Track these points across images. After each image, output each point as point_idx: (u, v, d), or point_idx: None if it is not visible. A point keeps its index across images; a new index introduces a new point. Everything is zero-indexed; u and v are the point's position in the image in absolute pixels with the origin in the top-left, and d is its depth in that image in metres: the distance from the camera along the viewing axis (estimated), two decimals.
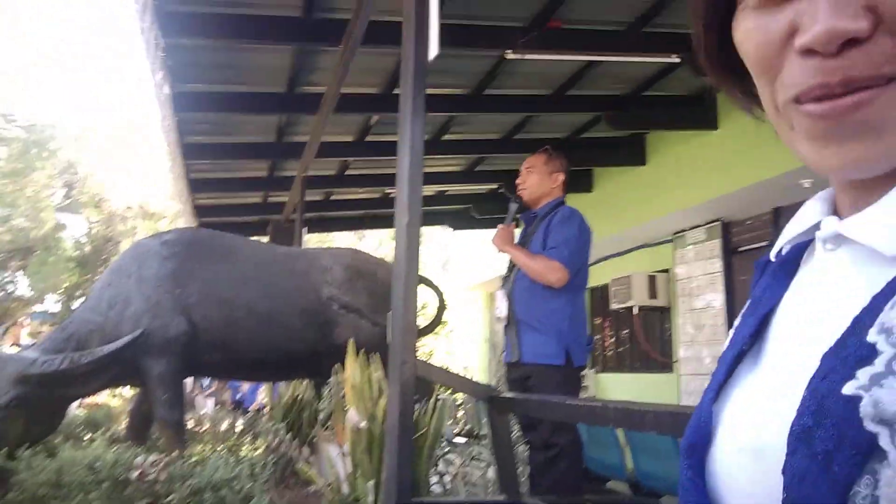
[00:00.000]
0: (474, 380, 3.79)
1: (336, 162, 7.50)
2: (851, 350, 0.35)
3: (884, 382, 0.32)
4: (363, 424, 2.53)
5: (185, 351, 3.72)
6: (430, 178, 8.04)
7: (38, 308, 19.38)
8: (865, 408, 0.32)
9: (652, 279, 7.79)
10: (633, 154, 7.15)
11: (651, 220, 7.21)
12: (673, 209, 6.75)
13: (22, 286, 19.17)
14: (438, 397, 2.90)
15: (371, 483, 2.44)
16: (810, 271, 0.48)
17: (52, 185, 20.77)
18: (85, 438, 3.81)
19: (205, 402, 11.33)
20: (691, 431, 0.47)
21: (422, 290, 4.73)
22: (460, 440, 4.12)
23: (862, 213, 0.42)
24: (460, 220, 10.11)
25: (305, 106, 5.61)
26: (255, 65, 5.01)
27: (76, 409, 4.63)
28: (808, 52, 0.39)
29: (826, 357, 0.37)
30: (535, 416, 2.81)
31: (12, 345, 3.52)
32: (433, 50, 2.42)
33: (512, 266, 3.14)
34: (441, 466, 2.92)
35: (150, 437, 3.98)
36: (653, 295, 7.73)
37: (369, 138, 6.76)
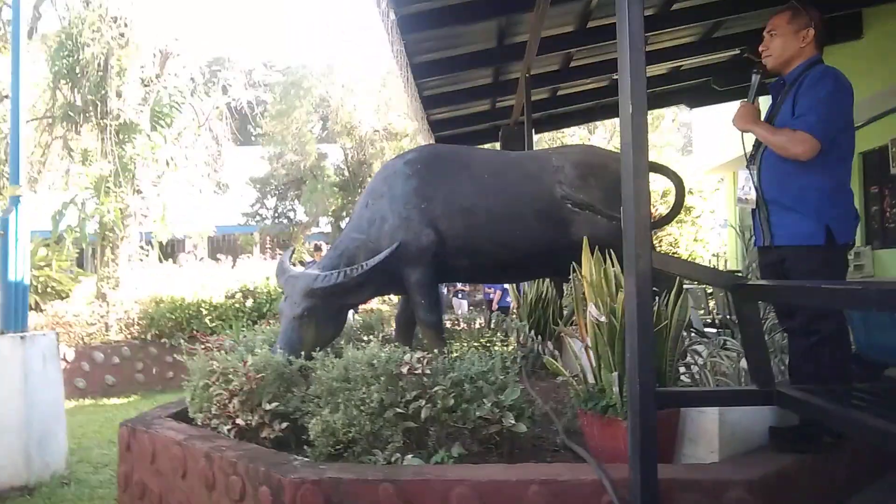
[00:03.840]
0: (717, 268, 3.59)
1: (559, 56, 7.30)
2: None
3: None
4: (603, 319, 2.57)
5: (436, 258, 4.04)
6: (662, 55, 7.47)
7: (314, 230, 22.28)
8: None
9: None
10: None
11: None
12: None
13: (299, 213, 22.12)
14: (684, 287, 2.82)
15: (615, 374, 2.50)
16: None
17: (310, 120, 23.20)
18: (364, 339, 4.38)
19: (460, 303, 12.27)
20: None
21: (659, 178, 4.55)
22: (710, 331, 3.98)
23: None
24: (699, 96, 9.32)
25: (522, 2, 5.51)
26: None
27: (354, 317, 5.33)
28: None
29: None
30: (783, 302, 2.61)
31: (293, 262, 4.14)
32: None
33: (759, 143, 2.86)
34: (689, 358, 2.87)
35: (416, 337, 4.46)
36: None
37: (591, 24, 6.45)
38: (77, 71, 9.50)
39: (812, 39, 2.77)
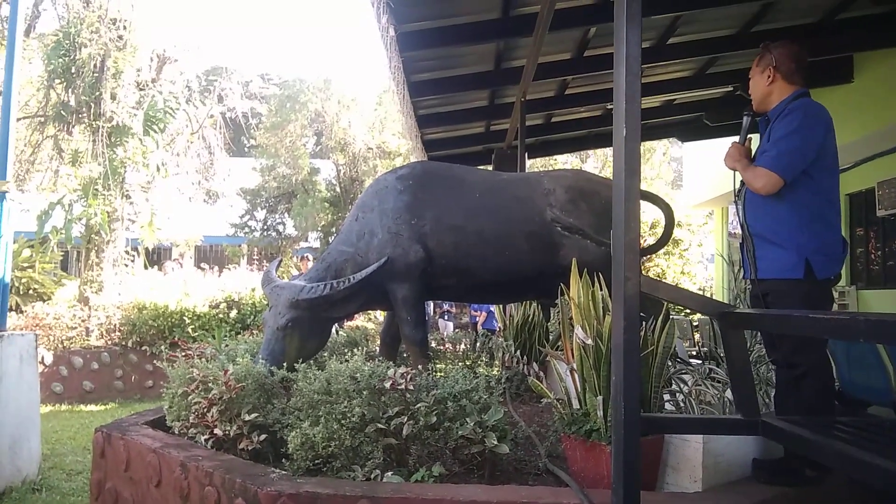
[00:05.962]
0: (705, 296, 3.61)
1: (555, 82, 7.37)
2: None
3: None
4: (589, 341, 2.56)
5: (424, 275, 4.01)
6: (656, 88, 7.55)
7: (302, 244, 22.20)
8: None
9: None
10: None
11: None
12: None
13: (288, 226, 22.06)
14: (671, 315, 2.82)
15: (600, 398, 2.49)
16: None
17: (304, 134, 23.23)
18: (346, 354, 4.34)
19: (446, 324, 12.22)
20: None
21: (649, 207, 4.57)
22: (695, 362, 3.97)
23: None
24: (690, 131, 9.42)
25: (521, 28, 5.57)
26: None
27: (338, 333, 5.28)
28: None
29: None
30: (770, 331, 2.61)
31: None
32: None
33: None
34: (674, 385, 2.86)
35: (400, 355, 4.42)
36: None
37: (588, 53, 6.52)
38: (72, 71, 9.46)
39: (776, 76, 2.80)
